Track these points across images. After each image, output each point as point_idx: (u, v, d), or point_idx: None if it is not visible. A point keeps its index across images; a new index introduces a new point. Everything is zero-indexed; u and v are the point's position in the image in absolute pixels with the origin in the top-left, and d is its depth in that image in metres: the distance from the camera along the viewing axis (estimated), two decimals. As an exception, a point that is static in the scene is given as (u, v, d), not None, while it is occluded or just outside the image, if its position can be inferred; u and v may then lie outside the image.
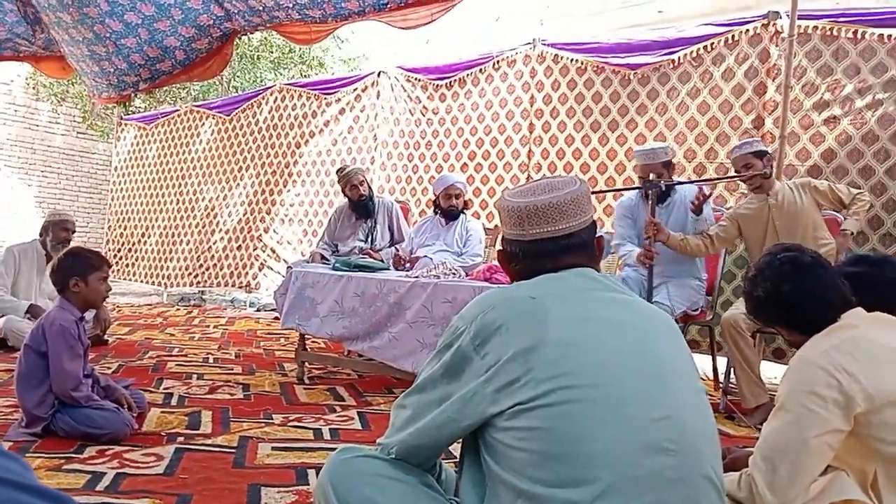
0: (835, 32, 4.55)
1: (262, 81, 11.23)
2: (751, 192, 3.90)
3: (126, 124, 9.79)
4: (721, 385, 3.99)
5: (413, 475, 1.35)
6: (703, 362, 4.08)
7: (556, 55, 5.85)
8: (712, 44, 5.06)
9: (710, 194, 4.12)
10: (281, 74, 11.71)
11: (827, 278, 1.68)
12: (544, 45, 5.96)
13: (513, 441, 1.19)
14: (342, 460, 1.39)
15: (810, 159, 4.63)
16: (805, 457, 1.50)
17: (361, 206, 4.84)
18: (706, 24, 5.23)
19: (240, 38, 5.43)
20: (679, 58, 5.19)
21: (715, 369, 4.34)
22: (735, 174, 3.94)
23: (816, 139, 4.61)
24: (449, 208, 4.63)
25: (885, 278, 1.84)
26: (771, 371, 4.80)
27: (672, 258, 3.98)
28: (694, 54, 5.13)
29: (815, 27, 4.61)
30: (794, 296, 1.68)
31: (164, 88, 9.48)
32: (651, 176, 3.86)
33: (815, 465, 1.52)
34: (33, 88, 12.17)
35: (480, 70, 6.35)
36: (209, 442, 2.81)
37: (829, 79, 4.58)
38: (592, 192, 3.77)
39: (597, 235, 1.42)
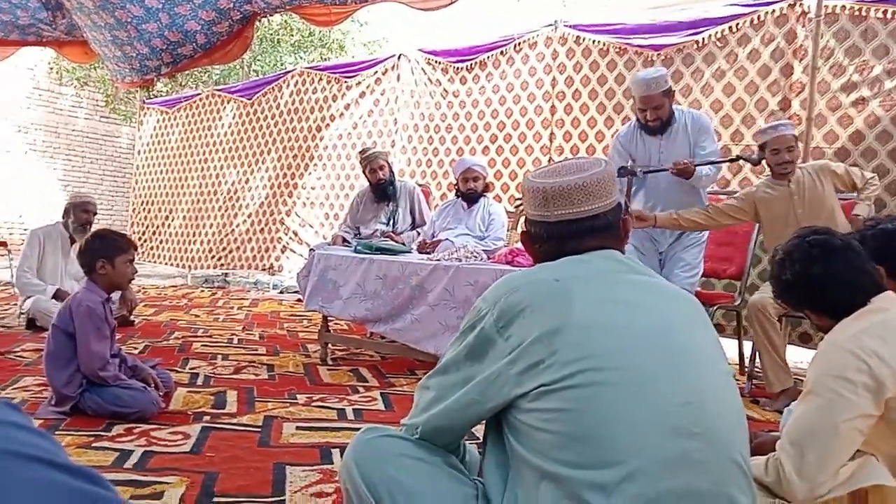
0: (863, 13, 4.46)
1: (282, 65, 11.25)
2: (776, 177, 3.72)
3: (148, 108, 9.86)
4: (747, 369, 3.97)
5: (437, 455, 1.35)
6: (728, 346, 4.04)
7: (579, 37, 5.80)
8: (738, 24, 4.98)
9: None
10: (301, 58, 11.72)
11: (857, 262, 1.66)
12: (566, 26, 5.90)
13: (537, 422, 1.18)
14: (367, 440, 1.40)
15: (838, 142, 4.55)
16: (834, 442, 1.49)
17: (381, 190, 4.84)
18: (731, 5, 5.14)
19: (259, 21, 5.43)
20: (704, 39, 5.11)
21: (741, 353, 4.32)
22: (763, 156, 3.78)
23: (844, 121, 4.53)
24: (468, 191, 4.61)
25: None
26: (797, 355, 4.76)
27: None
28: (719, 35, 5.05)
29: (843, 7, 4.51)
30: (823, 279, 1.66)
31: (186, 72, 9.53)
32: (629, 163, 3.76)
33: (844, 451, 1.50)
34: (56, 73, 12.29)
35: (502, 52, 6.31)
36: (234, 421, 2.85)
37: (857, 60, 4.50)
38: (645, 172, 3.73)
39: (622, 217, 1.41)
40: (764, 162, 3.75)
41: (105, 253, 2.81)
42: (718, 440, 1.17)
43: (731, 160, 3.79)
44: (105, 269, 2.82)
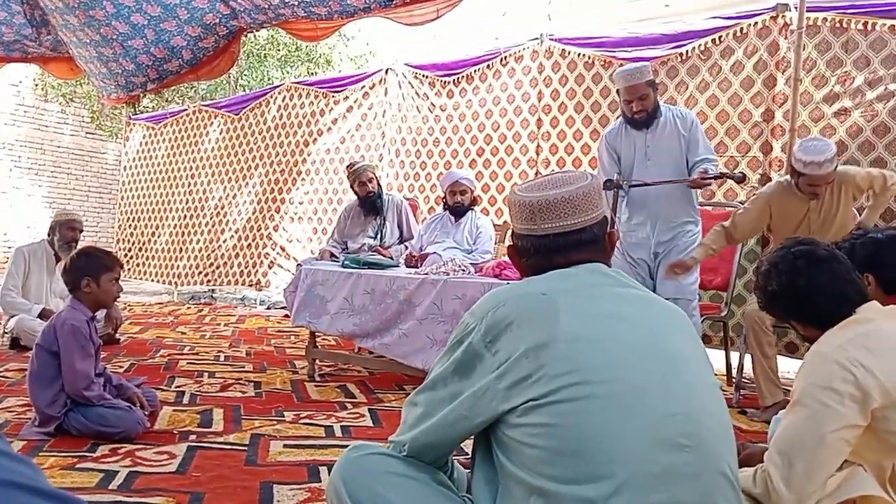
0: (844, 24, 4.51)
1: (269, 80, 11.24)
2: (801, 193, 3.53)
3: (134, 124, 9.82)
4: (734, 380, 3.97)
5: (425, 472, 1.35)
6: (715, 357, 4.04)
7: (564, 50, 5.83)
8: (721, 37, 5.02)
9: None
10: (288, 73, 11.72)
11: (843, 272, 1.66)
12: (552, 39, 5.94)
13: (525, 438, 1.18)
14: (354, 458, 1.39)
15: (821, 152, 4.58)
16: (821, 452, 1.49)
17: (370, 203, 4.84)
18: (714, 17, 5.18)
19: (246, 36, 5.43)
20: (687, 51, 5.15)
21: (728, 364, 4.33)
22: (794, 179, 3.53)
23: (827, 132, 4.57)
24: (455, 205, 4.62)
25: None
26: (784, 365, 4.77)
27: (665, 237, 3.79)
28: (702, 48, 5.10)
29: (825, 19, 4.57)
30: (808, 290, 1.66)
31: (172, 88, 9.50)
32: (615, 177, 3.71)
33: (831, 461, 1.50)
34: (41, 89, 12.23)
35: (488, 66, 6.33)
36: (221, 440, 2.82)
37: (839, 71, 4.55)
38: (631, 186, 3.70)
39: (608, 230, 1.41)
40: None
41: (90, 271, 2.79)
42: (706, 452, 1.17)
43: (717, 177, 3.75)
44: (90, 287, 2.80)
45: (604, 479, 1.12)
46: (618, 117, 4.21)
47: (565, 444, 1.14)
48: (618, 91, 3.82)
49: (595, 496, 1.11)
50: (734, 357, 4.17)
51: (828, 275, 1.66)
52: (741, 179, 3.71)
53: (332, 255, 4.71)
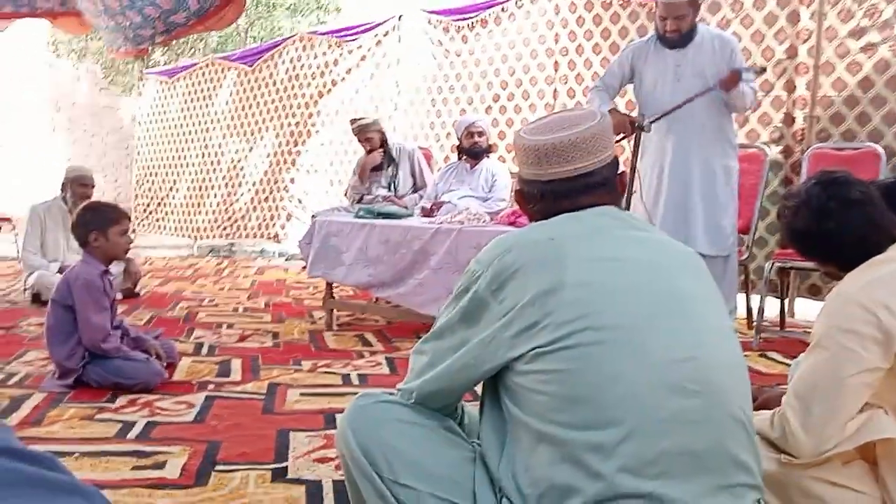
0: (872, -47, 4.30)
1: (279, 29, 11.09)
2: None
3: (147, 78, 9.77)
4: (755, 323, 3.93)
5: (433, 419, 1.33)
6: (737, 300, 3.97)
7: (581, -11, 5.65)
8: (744, -29, 4.83)
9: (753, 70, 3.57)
10: (298, 22, 11.54)
11: (875, 217, 1.58)
12: (568, -21, 5.75)
13: (533, 384, 1.16)
14: (361, 406, 1.38)
15: (846, 89, 4.43)
16: (841, 396, 1.45)
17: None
18: (737, -49, 4.98)
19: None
20: (709, -13, 4.96)
21: (748, 308, 4.27)
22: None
23: (853, 68, 4.41)
24: (472, 146, 4.53)
25: None
26: (806, 308, 4.72)
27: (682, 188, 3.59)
28: (725, -17, 4.91)
29: (852, -52, 4.36)
30: (837, 234, 1.59)
31: (182, 41, 9.41)
32: (636, 116, 3.56)
33: (851, 405, 1.46)
34: (53, 45, 12.17)
35: (503, 8, 6.17)
36: (239, 389, 2.85)
37: (865, 3, 4.35)
38: (652, 122, 3.56)
39: (619, 172, 1.36)
40: None
41: (97, 225, 2.78)
42: (718, 396, 1.14)
43: (745, 71, 3.51)
44: (99, 241, 2.79)
45: (613, 426, 1.09)
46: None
47: (573, 391, 1.12)
48: (656, 2, 3.64)
49: (605, 441, 1.09)
50: (755, 300, 4.11)
51: (859, 219, 1.58)
52: (761, 71, 3.60)
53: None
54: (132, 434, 2.28)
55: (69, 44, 11.97)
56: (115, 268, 4.45)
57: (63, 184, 5.02)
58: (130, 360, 2.78)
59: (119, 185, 13.07)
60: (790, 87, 4.66)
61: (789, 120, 4.67)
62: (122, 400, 2.64)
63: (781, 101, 4.70)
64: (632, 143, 3.73)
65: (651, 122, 3.58)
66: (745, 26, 4.82)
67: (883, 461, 1.47)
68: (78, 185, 4.93)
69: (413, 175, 4.88)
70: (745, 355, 1.33)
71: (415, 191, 4.84)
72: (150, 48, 5.73)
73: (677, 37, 3.54)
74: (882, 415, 1.49)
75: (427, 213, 4.30)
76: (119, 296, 4.70)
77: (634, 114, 3.91)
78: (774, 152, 4.62)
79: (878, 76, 4.31)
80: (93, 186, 5.01)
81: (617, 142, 3.65)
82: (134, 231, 9.10)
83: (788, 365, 3.21)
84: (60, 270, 4.74)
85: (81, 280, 2.75)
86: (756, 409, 1.69)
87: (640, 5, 5.34)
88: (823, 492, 1.48)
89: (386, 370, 3.23)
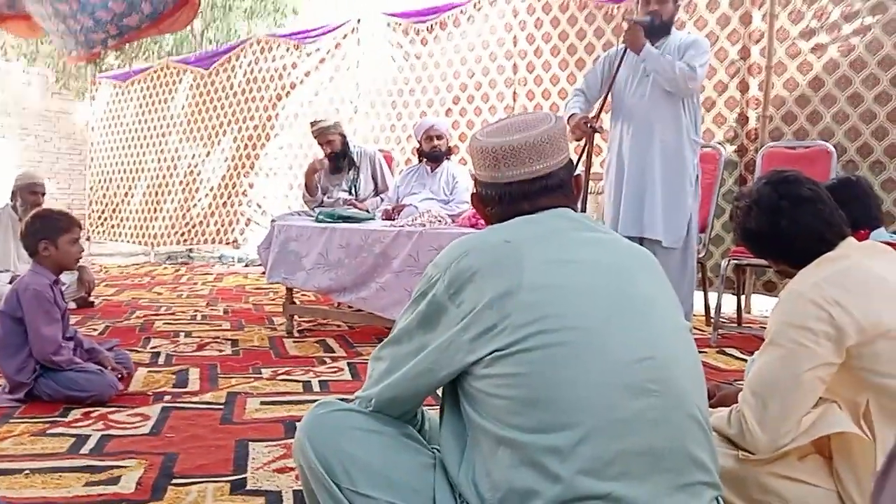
0: (821, -44, 4.41)
1: (235, 32, 10.95)
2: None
3: (101, 82, 9.56)
4: (712, 320, 3.99)
5: (392, 426, 1.31)
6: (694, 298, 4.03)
7: (538, -8, 5.68)
8: (697, -27, 4.90)
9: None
10: (255, 25, 11.41)
11: (825, 214, 1.61)
12: (525, -19, 5.78)
13: (492, 388, 1.15)
14: (318, 415, 1.35)
15: (798, 89, 4.53)
16: (796, 392, 1.47)
17: (336, 160, 4.75)
18: (690, -47, 5.06)
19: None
20: (663, -11, 5.02)
21: (706, 305, 4.34)
22: None
23: (804, 68, 4.51)
24: (432, 150, 4.51)
25: None
26: (761, 304, 4.81)
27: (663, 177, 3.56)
28: (679, -15, 4.97)
29: (802, -49, 4.46)
30: (788, 232, 1.61)
31: (136, 44, 9.24)
32: (590, 116, 3.57)
33: (806, 400, 1.48)
34: (2, 49, 11.84)
35: (461, 11, 6.18)
36: (196, 399, 2.79)
37: (815, 5, 4.46)
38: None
39: (575, 174, 1.36)
40: None
41: (47, 234, 2.69)
42: (674, 396, 1.14)
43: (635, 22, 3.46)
44: (48, 250, 2.71)
45: (570, 428, 1.09)
46: (595, 59, 4.03)
47: (531, 394, 1.11)
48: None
49: (562, 445, 1.09)
50: (712, 297, 4.17)
51: (810, 217, 1.60)
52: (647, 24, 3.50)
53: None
54: (86, 448, 2.22)
55: (19, 48, 11.64)
56: (69, 276, 4.34)
57: (13, 191, 4.88)
58: (84, 372, 2.70)
59: (72, 192, 12.74)
60: (744, 87, 4.75)
61: (743, 119, 4.76)
62: (75, 413, 2.57)
63: (735, 100, 4.79)
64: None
65: (593, 119, 3.60)
66: (698, 28, 4.90)
67: (837, 455, 1.50)
68: (28, 192, 4.79)
69: (374, 178, 4.86)
70: (704, 352, 1.34)
71: (376, 194, 4.82)
72: (102, 52, 5.58)
73: (658, 21, 3.48)
74: (836, 409, 1.51)
75: (388, 215, 4.28)
76: (72, 305, 4.59)
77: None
78: (729, 151, 4.71)
79: (828, 76, 4.41)
80: (43, 194, 4.88)
81: (578, 145, 3.70)
82: (88, 239, 8.89)
83: (746, 361, 3.28)
84: (11, 281, 4.60)
85: (31, 291, 2.66)
86: (713, 406, 1.71)
87: (597, 7, 5.39)
88: (780, 487, 1.50)
89: (348, 376, 3.19)
